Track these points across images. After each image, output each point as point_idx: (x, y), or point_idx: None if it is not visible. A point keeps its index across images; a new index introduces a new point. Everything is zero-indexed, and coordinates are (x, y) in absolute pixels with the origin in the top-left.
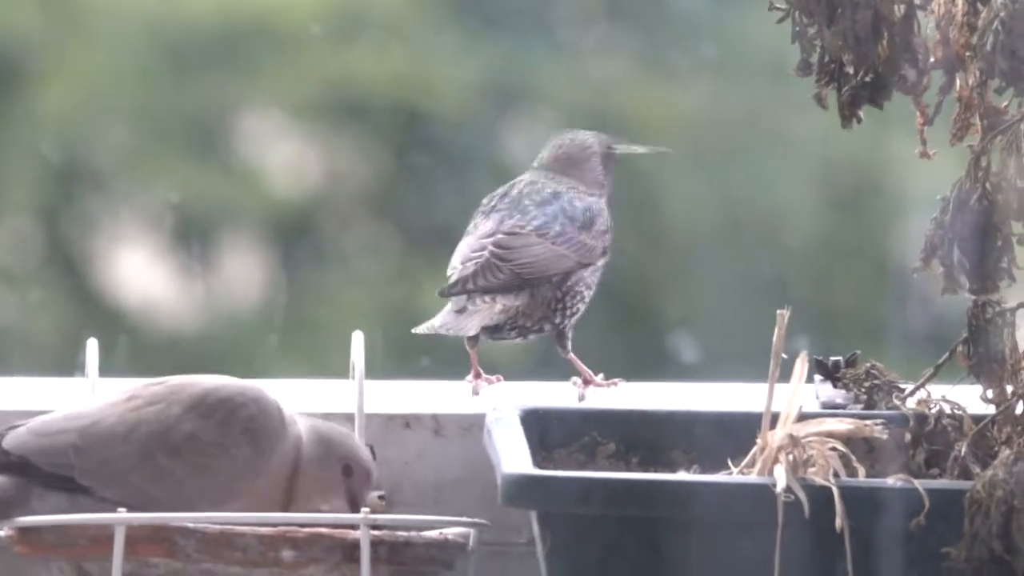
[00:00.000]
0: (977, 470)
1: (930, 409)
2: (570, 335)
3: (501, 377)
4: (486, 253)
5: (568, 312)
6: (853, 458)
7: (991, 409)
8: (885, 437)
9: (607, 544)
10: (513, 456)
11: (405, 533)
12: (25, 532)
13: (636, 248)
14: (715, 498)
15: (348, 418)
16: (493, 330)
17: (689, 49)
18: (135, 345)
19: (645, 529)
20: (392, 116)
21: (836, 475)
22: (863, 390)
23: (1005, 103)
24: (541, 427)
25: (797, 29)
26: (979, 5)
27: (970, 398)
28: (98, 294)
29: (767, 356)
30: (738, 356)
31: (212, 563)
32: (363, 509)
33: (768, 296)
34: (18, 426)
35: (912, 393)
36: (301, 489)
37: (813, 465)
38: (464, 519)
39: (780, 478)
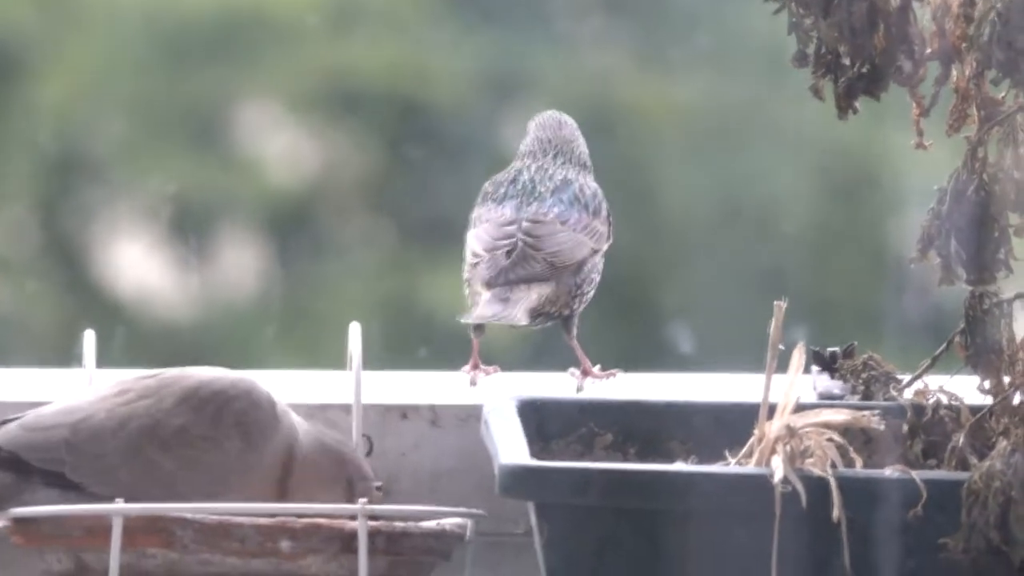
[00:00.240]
0: (975, 461)
1: (927, 400)
2: (576, 321)
3: (498, 368)
4: (519, 242)
5: (583, 298)
6: (850, 449)
7: (988, 400)
8: (882, 428)
9: (604, 535)
10: (510, 447)
11: (402, 523)
12: (21, 523)
13: (633, 239)
14: (712, 489)
15: (345, 409)
16: (532, 317)
17: (686, 40)
18: (132, 336)
19: (642, 520)
20: (388, 107)
21: (833, 466)
22: (860, 381)
23: (1002, 94)
24: (538, 418)
25: (793, 20)
26: None
27: (967, 389)
28: (95, 285)
29: (764, 347)
30: (735, 347)
31: (210, 554)
32: (360, 500)
33: (765, 287)
34: (11, 420)
35: (909, 384)
36: (298, 488)
37: (810, 456)
38: (461, 510)
39: (777, 469)
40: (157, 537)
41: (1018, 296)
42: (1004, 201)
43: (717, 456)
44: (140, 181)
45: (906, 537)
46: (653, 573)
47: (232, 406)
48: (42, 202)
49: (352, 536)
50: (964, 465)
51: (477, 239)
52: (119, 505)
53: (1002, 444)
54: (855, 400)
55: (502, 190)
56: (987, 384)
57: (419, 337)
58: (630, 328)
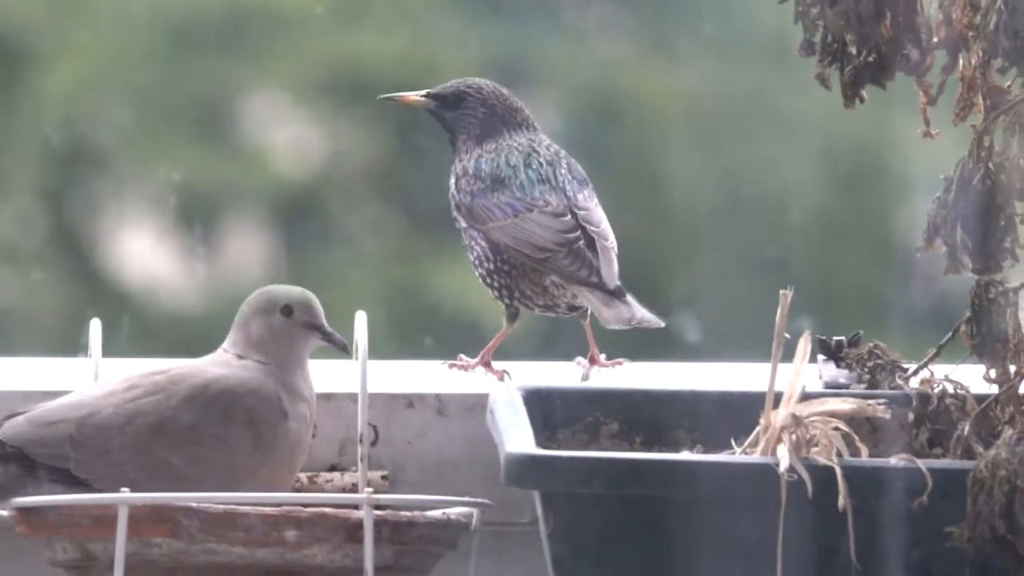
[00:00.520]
0: (980, 450)
1: (933, 389)
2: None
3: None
4: (610, 245)
5: None
6: (856, 438)
7: (994, 389)
8: (888, 417)
9: (610, 524)
10: (516, 436)
11: (408, 513)
12: (27, 513)
13: (639, 227)
14: (718, 478)
15: (351, 397)
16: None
17: (692, 29)
18: (138, 325)
19: (648, 509)
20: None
21: (839, 455)
22: (866, 370)
23: (1008, 83)
24: (544, 407)
25: (800, 9)
26: None
27: (973, 378)
28: (102, 274)
29: (770, 336)
30: (741, 336)
31: (215, 543)
32: (366, 489)
33: (771, 276)
34: (19, 414)
35: (915, 373)
36: (259, 343)
37: (816, 445)
38: (467, 499)
39: (783, 458)
40: (163, 527)
41: None
42: (1010, 190)
43: (723, 445)
44: (147, 171)
45: (911, 526)
46: (659, 562)
47: (241, 404)
48: (49, 192)
49: (357, 525)
50: (969, 454)
51: (538, 224)
52: (125, 495)
53: (1008, 433)
54: (861, 389)
55: (521, 175)
56: (993, 373)
57: (425, 326)
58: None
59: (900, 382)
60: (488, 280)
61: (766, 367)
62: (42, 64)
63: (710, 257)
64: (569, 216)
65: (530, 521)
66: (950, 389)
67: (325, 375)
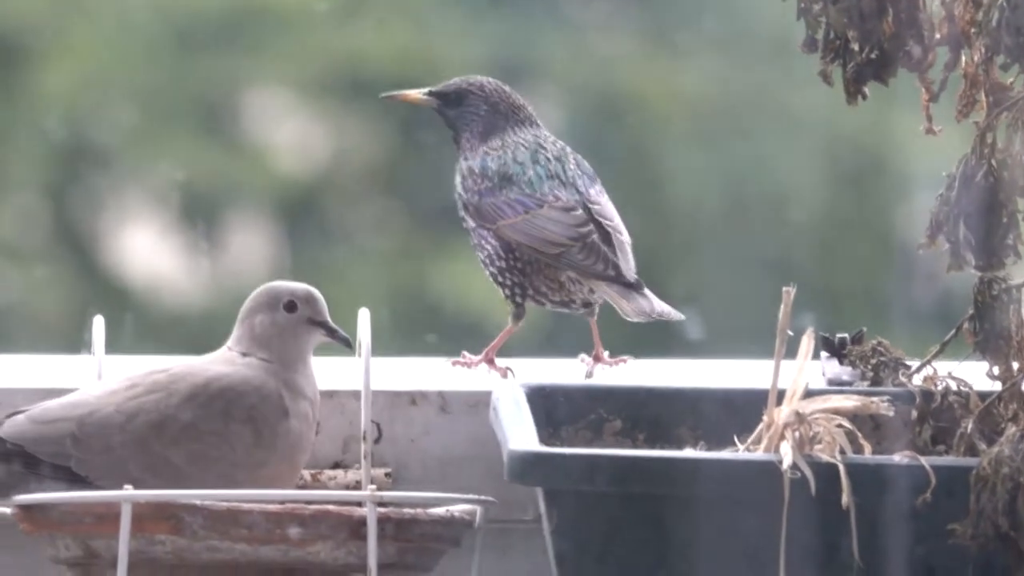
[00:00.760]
0: (983, 447)
1: (936, 386)
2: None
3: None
4: (625, 239)
5: None
6: (859, 435)
7: (997, 386)
8: (891, 414)
9: (613, 521)
10: (519, 433)
11: (411, 510)
12: (30, 510)
13: (641, 225)
14: (721, 475)
15: (354, 395)
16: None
17: (694, 26)
18: (141, 322)
19: (651, 506)
20: None
21: (842, 452)
22: (869, 367)
23: (1010, 79)
24: (547, 404)
25: (802, 6)
26: None
27: (976, 375)
28: (104, 272)
29: (773, 333)
30: (744, 333)
31: (218, 540)
32: (370, 486)
33: (774, 273)
34: (20, 412)
35: (918, 370)
36: (263, 342)
37: (819, 442)
38: (470, 496)
39: (786, 455)
40: (166, 524)
41: None
42: (1013, 186)
43: (726, 442)
44: (149, 168)
45: (915, 523)
46: (662, 559)
47: (242, 402)
48: (51, 189)
49: (361, 523)
50: (973, 451)
51: (551, 219)
52: (128, 492)
53: (1011, 430)
54: (864, 386)
55: (529, 172)
56: (996, 370)
57: (428, 323)
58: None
59: (903, 379)
60: (500, 279)
61: (769, 364)
62: (44, 61)
63: (712, 254)
64: (581, 211)
65: (533, 518)
66: (953, 386)
67: (328, 372)
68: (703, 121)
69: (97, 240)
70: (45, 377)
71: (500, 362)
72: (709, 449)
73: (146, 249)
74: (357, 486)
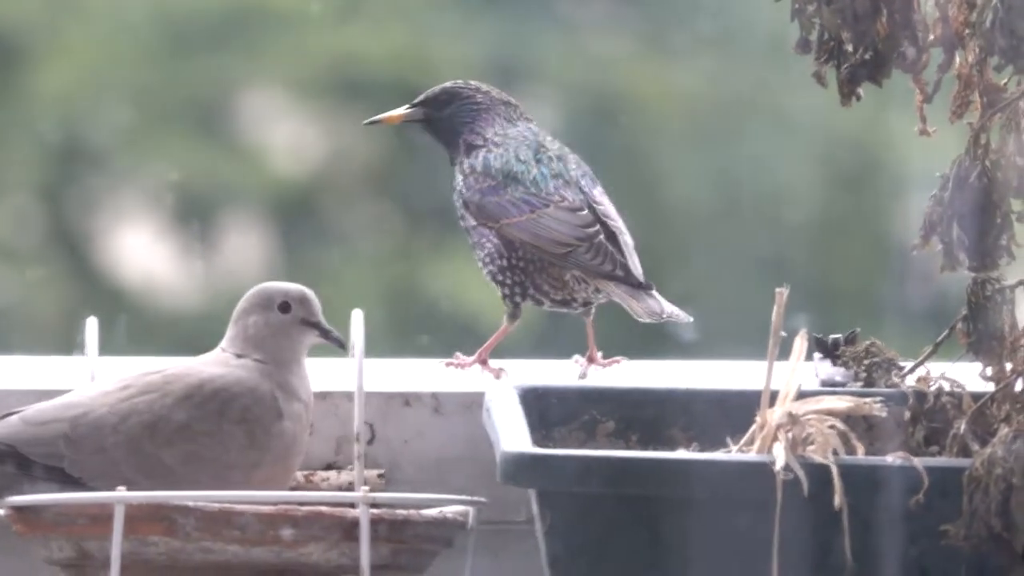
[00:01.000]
0: (976, 448)
1: (929, 387)
2: None
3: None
4: (629, 241)
5: None
6: (852, 436)
7: (990, 387)
8: (884, 415)
9: (606, 522)
10: (512, 435)
11: (404, 511)
12: (23, 511)
13: (635, 226)
14: (714, 476)
15: (348, 396)
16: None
17: (689, 27)
18: (135, 324)
19: (644, 507)
20: (393, 94)
21: (835, 453)
22: (862, 368)
23: (1004, 80)
24: (540, 406)
25: (796, 7)
26: None
27: (969, 376)
28: (99, 273)
29: (766, 334)
30: (737, 334)
31: (211, 541)
32: (362, 488)
33: (767, 274)
34: (13, 413)
35: (911, 371)
36: (257, 342)
37: (812, 443)
38: (463, 497)
39: (779, 456)
40: (159, 525)
41: (1020, 283)
42: (1006, 187)
43: (719, 443)
44: (144, 169)
45: (908, 524)
46: (655, 560)
47: (236, 403)
48: (45, 190)
49: (354, 524)
50: (966, 452)
51: (557, 219)
52: (121, 493)
53: (1004, 431)
54: (857, 387)
55: (533, 170)
56: (989, 371)
57: (422, 324)
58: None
59: (896, 380)
60: (500, 278)
61: (762, 365)
62: (39, 62)
63: (706, 255)
64: (587, 211)
65: (526, 519)
66: (946, 387)
67: (321, 373)
68: (698, 121)
69: (91, 241)
70: (39, 378)
71: (493, 363)
72: (702, 450)
73: (140, 250)
74: (350, 487)
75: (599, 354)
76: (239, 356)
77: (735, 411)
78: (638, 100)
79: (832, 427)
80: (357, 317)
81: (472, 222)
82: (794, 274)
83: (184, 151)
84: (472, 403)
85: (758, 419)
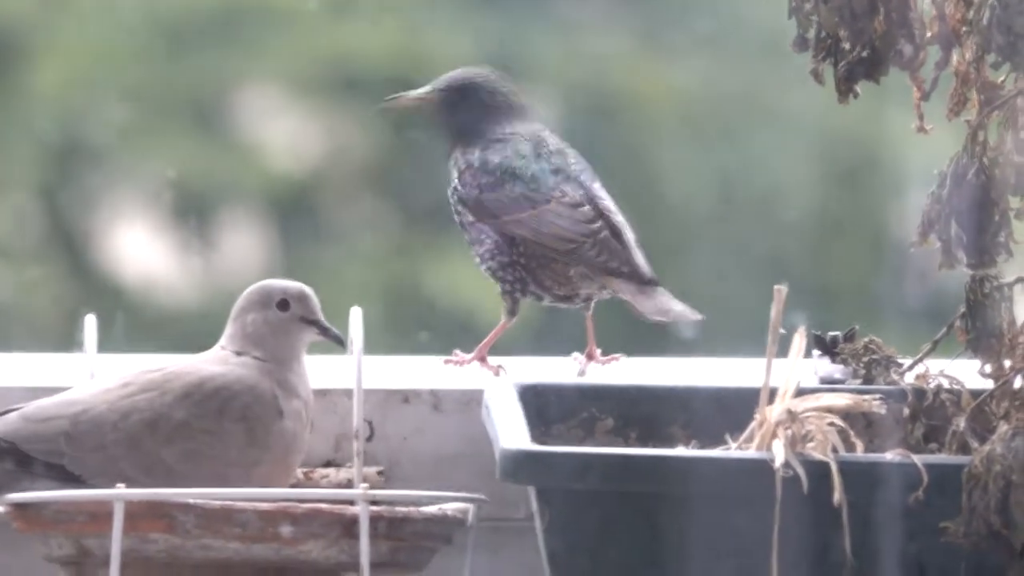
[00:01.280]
0: (975, 445)
1: (928, 384)
2: None
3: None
4: (612, 225)
5: None
6: (851, 433)
7: (989, 384)
8: (883, 412)
9: (605, 519)
10: (511, 432)
11: (404, 508)
12: (23, 508)
13: (633, 225)
14: (713, 473)
15: (347, 393)
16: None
17: (686, 25)
18: (134, 321)
19: (643, 504)
20: (391, 91)
21: (834, 450)
22: (861, 365)
23: (1001, 78)
24: (539, 403)
25: (793, 4)
26: None
27: (968, 373)
28: (97, 271)
29: (765, 331)
30: (736, 332)
31: (211, 538)
32: (362, 485)
33: (766, 272)
34: (13, 410)
35: (910, 368)
36: (256, 340)
37: (811, 440)
38: (462, 494)
39: (778, 453)
40: (159, 522)
41: (1019, 280)
42: (1004, 185)
43: (718, 441)
44: (141, 166)
45: (907, 521)
46: (654, 557)
47: (236, 401)
48: (43, 188)
49: (353, 521)
50: (965, 449)
51: (560, 215)
52: (121, 490)
53: (1003, 428)
54: (856, 384)
55: (533, 166)
56: (988, 368)
57: (420, 321)
58: (631, 312)
59: (895, 377)
60: (500, 274)
61: (761, 362)
62: (34, 60)
63: (704, 253)
64: (588, 207)
65: (525, 516)
66: (945, 384)
67: (320, 371)
68: (695, 120)
69: (89, 239)
70: (38, 376)
71: (492, 360)
72: (701, 447)
73: (138, 248)
74: (349, 484)
75: (598, 351)
76: (239, 354)
77: (734, 408)
78: (635, 98)
79: (831, 424)
80: (356, 314)
81: (470, 218)
82: (793, 271)
83: (182, 148)
84: (471, 400)
85: (757, 416)
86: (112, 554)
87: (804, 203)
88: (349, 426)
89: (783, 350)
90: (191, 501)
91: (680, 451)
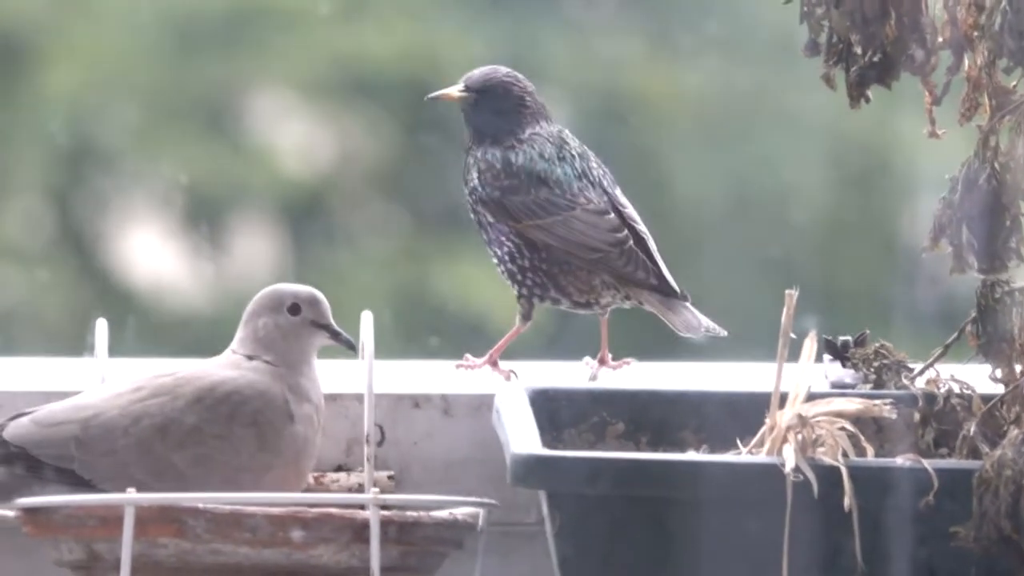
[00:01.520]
0: (986, 450)
1: (939, 389)
2: None
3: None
4: (636, 235)
5: None
6: (862, 438)
7: (1000, 388)
8: (894, 417)
9: (616, 524)
10: (522, 436)
11: (414, 513)
12: (34, 513)
13: (644, 227)
14: (724, 478)
15: (357, 398)
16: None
17: (697, 28)
18: (145, 325)
19: (654, 509)
20: (401, 94)
21: (845, 455)
22: (872, 370)
23: (1013, 83)
24: (550, 407)
25: (805, 9)
26: None
27: (979, 378)
28: (108, 274)
29: (776, 336)
30: (747, 336)
31: (221, 543)
32: (372, 489)
33: (777, 276)
34: (23, 414)
35: (921, 373)
36: (267, 344)
37: (822, 445)
38: (473, 499)
39: (789, 458)
40: (169, 527)
41: None
42: (1016, 190)
43: (729, 445)
44: (153, 170)
45: (917, 526)
46: (665, 562)
47: (247, 406)
48: (54, 191)
49: (364, 526)
50: (975, 454)
51: (585, 222)
52: (131, 495)
53: (1013, 433)
54: (867, 389)
55: (557, 170)
56: (999, 373)
57: (431, 326)
58: (642, 317)
59: (906, 382)
60: (519, 277)
61: (772, 367)
62: (47, 62)
63: (715, 256)
64: (612, 215)
65: (536, 521)
66: (956, 389)
67: (331, 375)
68: (706, 122)
69: (100, 242)
70: (49, 380)
71: (503, 365)
72: (712, 452)
73: (149, 251)
74: (360, 489)
75: (609, 356)
76: (250, 358)
77: (745, 413)
78: (646, 101)
79: (842, 429)
80: (367, 319)
81: (490, 219)
82: (803, 276)
83: (193, 152)
84: (482, 405)
85: (768, 421)
86: (122, 559)
87: (815, 207)
88: (360, 430)
89: (794, 355)
90: (201, 506)
91: (691, 456)
